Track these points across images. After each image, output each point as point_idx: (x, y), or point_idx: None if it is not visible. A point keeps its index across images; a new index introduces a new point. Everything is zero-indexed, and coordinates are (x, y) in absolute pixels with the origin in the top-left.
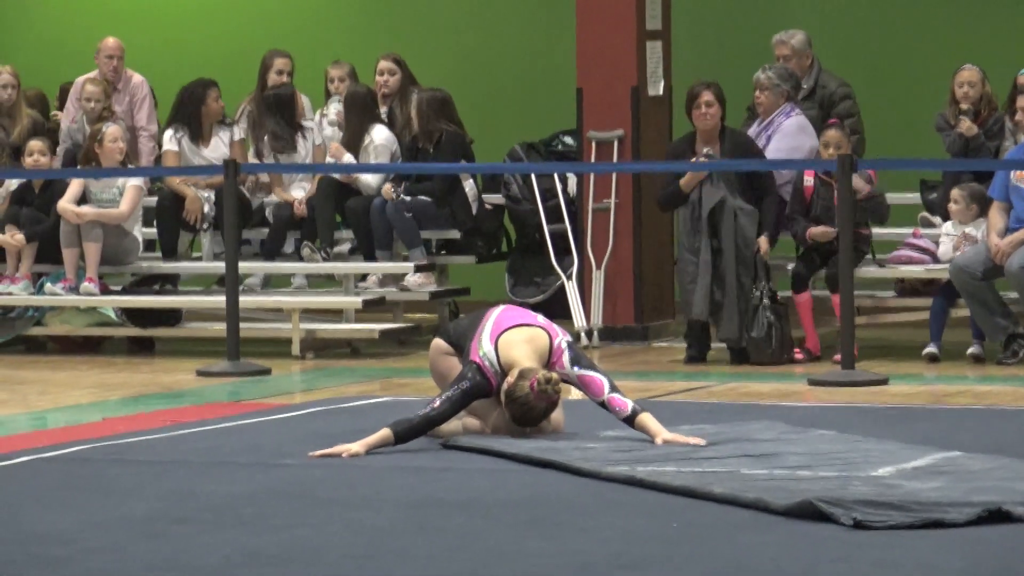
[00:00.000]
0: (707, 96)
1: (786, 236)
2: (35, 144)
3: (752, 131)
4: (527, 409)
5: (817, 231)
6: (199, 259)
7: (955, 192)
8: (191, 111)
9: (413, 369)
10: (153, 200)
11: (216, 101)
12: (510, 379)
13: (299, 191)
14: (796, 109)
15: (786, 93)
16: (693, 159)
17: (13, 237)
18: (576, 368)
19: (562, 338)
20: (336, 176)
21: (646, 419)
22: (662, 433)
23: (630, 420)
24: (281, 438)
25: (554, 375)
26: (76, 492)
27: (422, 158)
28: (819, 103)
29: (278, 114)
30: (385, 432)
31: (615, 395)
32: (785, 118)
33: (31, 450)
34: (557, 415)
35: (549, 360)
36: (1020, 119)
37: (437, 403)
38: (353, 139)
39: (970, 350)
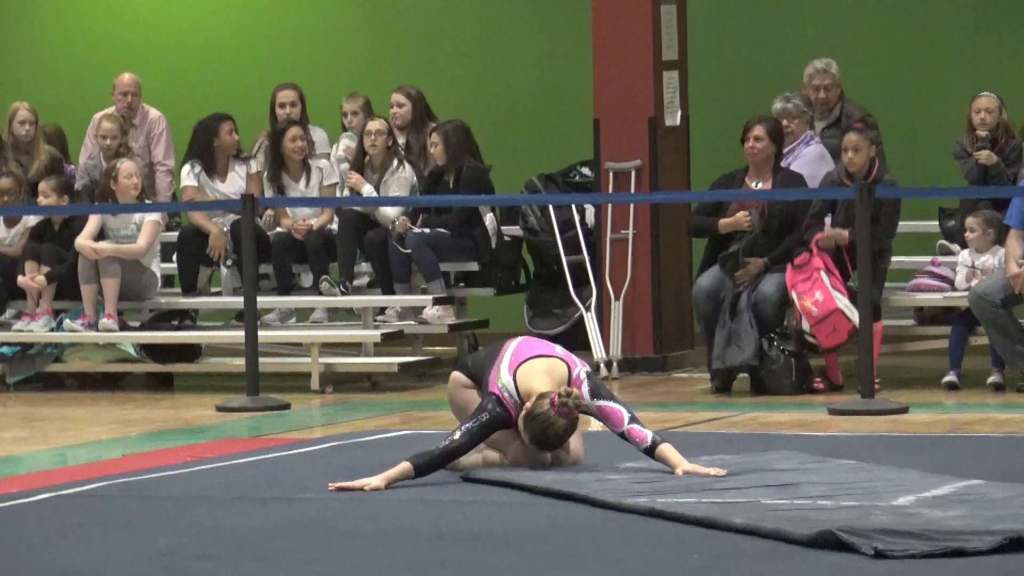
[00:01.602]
0: (757, 131)
1: None
2: (43, 186)
3: None
4: (548, 425)
5: (826, 235)
6: (218, 294)
7: (971, 219)
8: (205, 145)
9: (432, 402)
10: (171, 235)
11: (230, 134)
12: (528, 404)
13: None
14: (816, 137)
15: (810, 120)
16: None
17: (34, 279)
18: (595, 399)
19: (581, 368)
20: (358, 207)
21: (666, 450)
22: (682, 464)
23: (650, 451)
24: (301, 472)
25: (574, 390)
26: (97, 528)
27: (442, 190)
28: (843, 132)
29: (274, 151)
30: (405, 465)
31: (635, 426)
32: (806, 146)
33: (52, 487)
34: (577, 446)
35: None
36: None
37: (457, 435)
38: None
39: (990, 379)
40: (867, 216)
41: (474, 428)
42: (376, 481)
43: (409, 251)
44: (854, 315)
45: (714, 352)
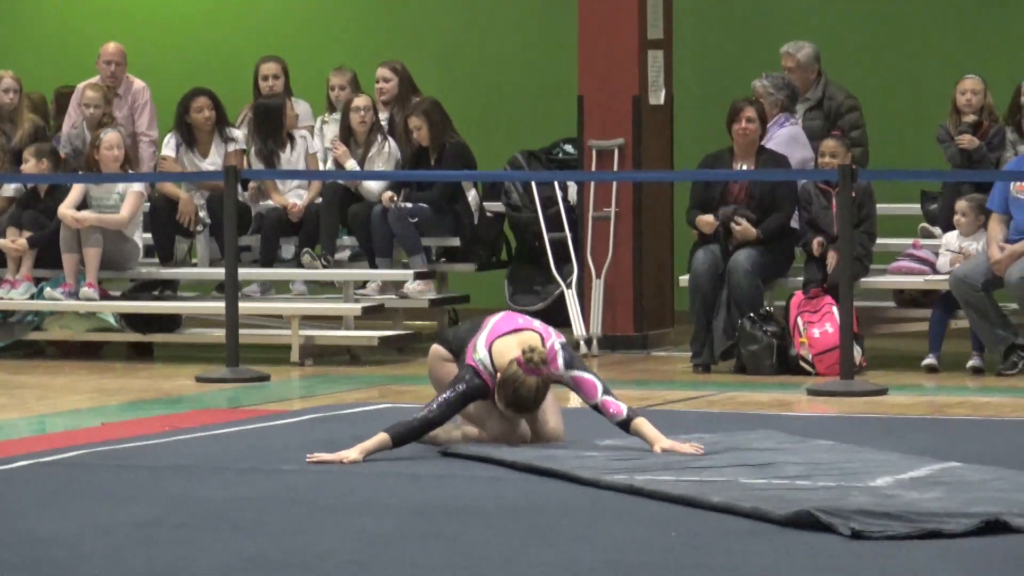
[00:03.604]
0: (749, 112)
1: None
2: (26, 152)
3: None
4: (518, 385)
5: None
6: (195, 265)
7: (962, 204)
8: (185, 120)
9: (412, 376)
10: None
11: (199, 111)
12: (500, 374)
13: (295, 199)
14: (791, 119)
15: (780, 103)
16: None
17: (15, 242)
18: (569, 370)
19: (555, 340)
20: (342, 181)
21: (642, 424)
22: (660, 441)
23: (625, 425)
24: (280, 444)
25: (538, 347)
26: (75, 497)
27: (424, 166)
28: (826, 114)
29: (264, 125)
30: (382, 436)
31: (609, 398)
32: (779, 128)
33: (30, 455)
34: (556, 424)
35: None
36: None
37: (434, 406)
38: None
39: (970, 362)
40: (848, 201)
41: (451, 399)
42: (354, 454)
43: (416, 219)
44: (858, 353)
45: (715, 342)
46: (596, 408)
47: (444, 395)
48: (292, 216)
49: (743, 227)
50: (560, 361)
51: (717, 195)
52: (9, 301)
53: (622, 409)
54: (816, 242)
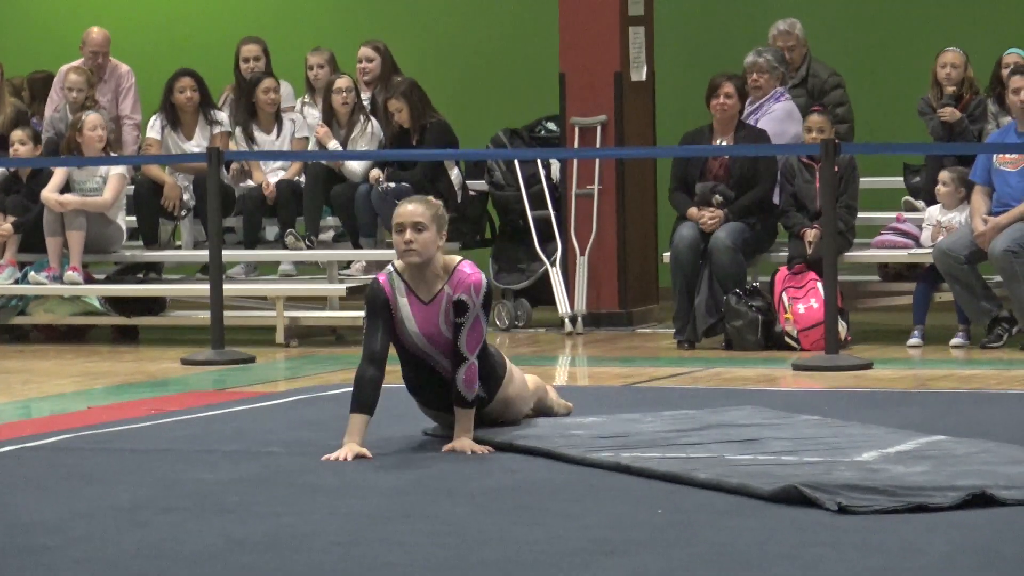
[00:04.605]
0: (727, 88)
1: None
2: (16, 134)
3: None
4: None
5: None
6: (180, 247)
7: (944, 174)
8: (170, 101)
9: (396, 357)
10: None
11: (182, 92)
12: None
13: (272, 179)
14: (786, 94)
15: (781, 76)
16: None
17: (0, 227)
18: (481, 309)
19: (481, 275)
20: (324, 162)
21: (463, 415)
22: (459, 438)
23: (459, 399)
24: (266, 426)
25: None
26: (61, 481)
27: (406, 147)
28: (810, 91)
29: (249, 104)
30: (358, 419)
31: (473, 368)
32: (775, 103)
33: (15, 439)
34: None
35: (450, 277)
36: (1013, 100)
37: (362, 347)
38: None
39: (955, 339)
40: (831, 175)
41: (365, 326)
42: (346, 454)
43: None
44: (843, 327)
45: (698, 319)
46: (458, 358)
47: (364, 326)
48: (268, 199)
49: (713, 218)
50: (481, 290)
51: (697, 173)
52: None
53: (471, 392)
54: (807, 232)
